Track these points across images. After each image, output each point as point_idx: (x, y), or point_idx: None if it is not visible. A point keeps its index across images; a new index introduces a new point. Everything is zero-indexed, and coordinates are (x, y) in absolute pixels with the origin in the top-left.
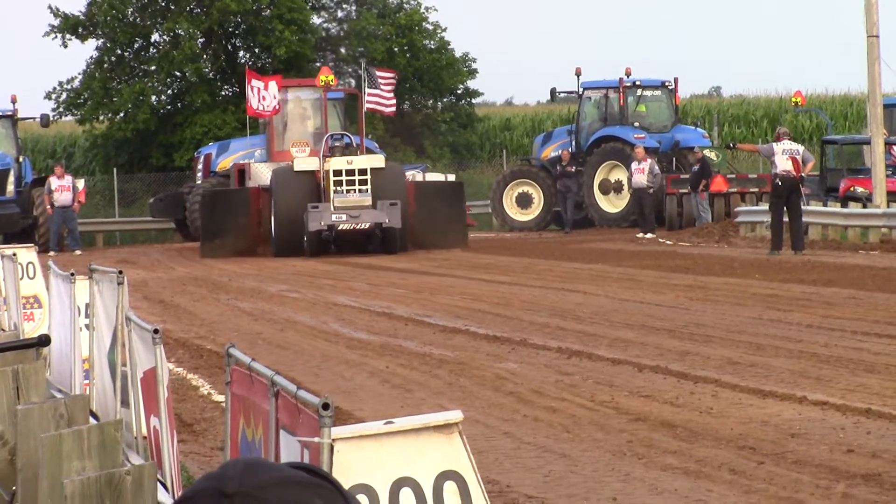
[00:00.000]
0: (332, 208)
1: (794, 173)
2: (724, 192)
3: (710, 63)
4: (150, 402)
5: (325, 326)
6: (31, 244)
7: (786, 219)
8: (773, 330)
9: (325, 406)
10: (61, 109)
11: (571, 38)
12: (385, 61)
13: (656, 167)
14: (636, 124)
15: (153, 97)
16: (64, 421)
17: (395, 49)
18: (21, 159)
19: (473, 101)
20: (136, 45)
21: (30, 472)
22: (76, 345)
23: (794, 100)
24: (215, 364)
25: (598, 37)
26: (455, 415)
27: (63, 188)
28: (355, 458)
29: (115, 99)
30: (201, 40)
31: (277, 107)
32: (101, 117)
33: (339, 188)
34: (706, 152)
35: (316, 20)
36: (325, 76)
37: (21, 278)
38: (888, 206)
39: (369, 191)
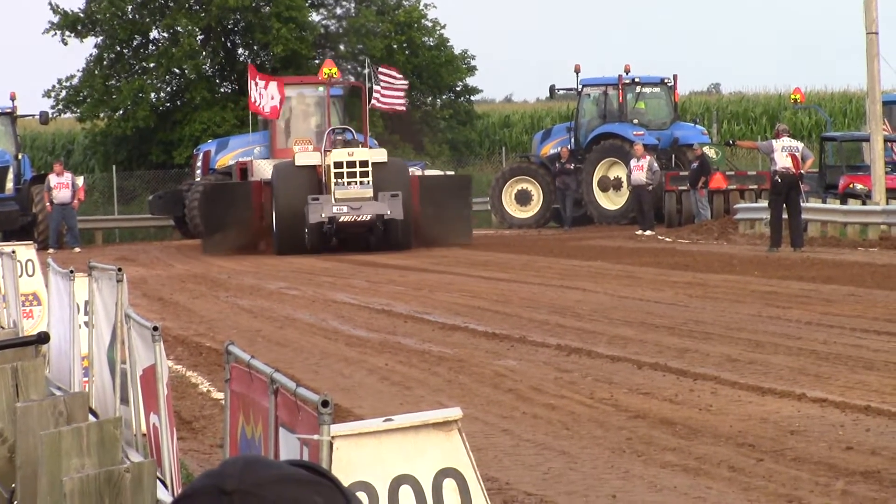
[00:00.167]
0: (333, 200)
1: (794, 170)
2: (723, 189)
3: (710, 60)
4: (150, 399)
5: (325, 324)
6: (31, 241)
7: (785, 216)
8: (772, 327)
9: (325, 403)
10: (60, 107)
11: (570, 35)
12: (384, 58)
13: (655, 164)
14: (635, 121)
15: (152, 94)
16: (63, 418)
17: (394, 46)
18: (20, 156)
19: (472, 98)
20: (135, 43)
21: (29, 470)
22: (75, 342)
23: (793, 97)
24: (214, 361)
25: (597, 34)
26: (454, 412)
27: (62, 185)
28: (355, 456)
29: (114, 96)
30: (200, 37)
31: (277, 108)
32: (101, 115)
33: (339, 180)
34: (705, 149)
35: (315, 17)
36: (329, 69)
37: (20, 276)
38: (887, 203)
39: (370, 183)
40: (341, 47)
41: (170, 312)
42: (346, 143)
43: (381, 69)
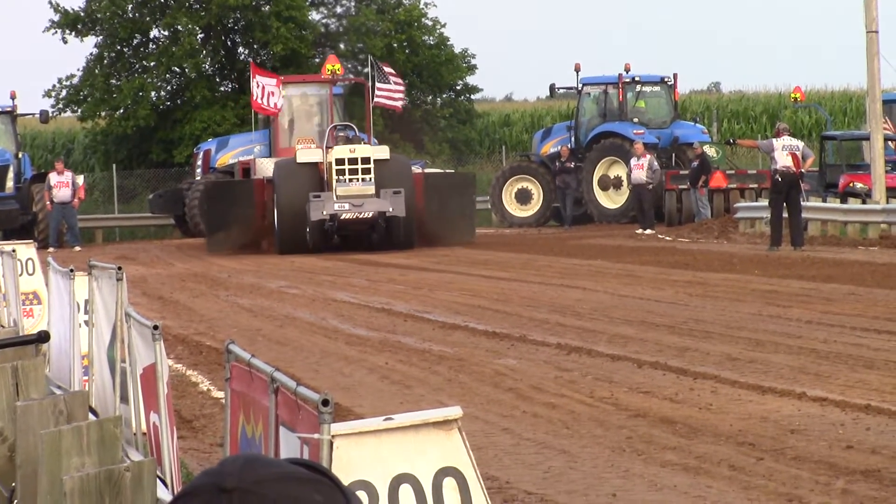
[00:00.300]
0: (335, 197)
1: (794, 169)
2: (723, 188)
3: (710, 59)
4: (150, 398)
5: (325, 323)
6: (31, 240)
7: (785, 215)
8: (772, 326)
9: (325, 402)
10: (61, 106)
11: (571, 33)
12: (384, 57)
13: (655, 163)
14: (635, 120)
15: (153, 93)
16: (63, 417)
17: (395, 45)
18: (20, 155)
19: (472, 96)
20: (135, 41)
21: (29, 469)
22: (75, 341)
23: (793, 95)
24: (215, 360)
25: (597, 32)
26: (454, 411)
27: (62, 184)
28: (355, 455)
29: (114, 95)
30: (201, 36)
31: (278, 105)
32: (103, 113)
33: (341, 177)
34: (706, 148)
35: (315, 16)
36: (332, 65)
37: (20, 275)
38: (887, 202)
39: (372, 179)
40: (341, 46)
41: (170, 311)
42: (349, 140)
43: (385, 67)
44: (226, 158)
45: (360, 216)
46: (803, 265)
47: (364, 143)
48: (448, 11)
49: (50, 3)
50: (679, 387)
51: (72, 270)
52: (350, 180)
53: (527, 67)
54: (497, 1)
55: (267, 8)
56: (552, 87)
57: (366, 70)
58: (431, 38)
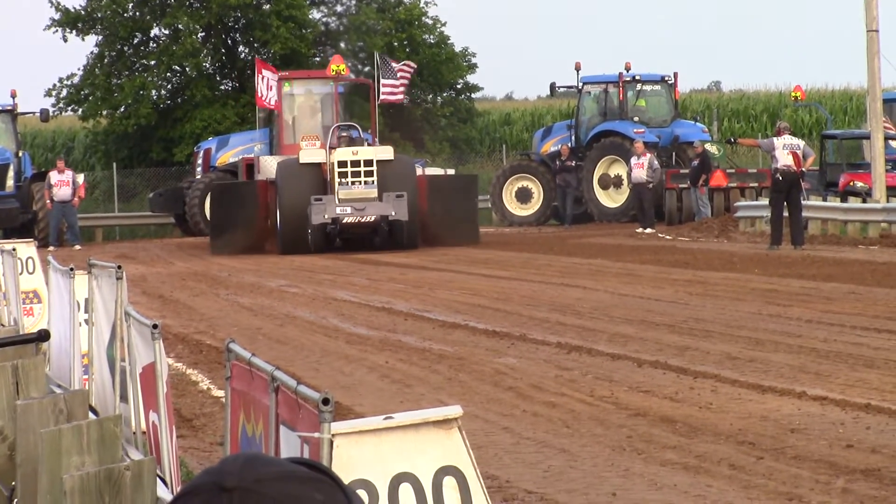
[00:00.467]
0: (337, 201)
1: (795, 168)
2: (723, 186)
3: (710, 58)
4: (150, 397)
5: (325, 321)
6: (31, 239)
7: (785, 214)
8: (772, 325)
9: (325, 401)
10: (61, 105)
11: (571, 32)
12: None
13: (656, 162)
14: (636, 119)
15: (153, 92)
16: (63, 416)
17: (395, 44)
18: (21, 154)
19: (473, 95)
20: (135, 40)
21: (29, 468)
22: (75, 340)
23: (793, 94)
24: (215, 359)
25: (597, 31)
26: (454, 410)
27: (63, 183)
28: (355, 454)
29: (115, 94)
30: (201, 35)
31: (279, 100)
32: (104, 112)
33: (343, 180)
34: (707, 146)
35: (315, 15)
36: (337, 65)
37: (20, 273)
38: (888, 201)
39: (375, 182)
40: (342, 45)
41: (170, 310)
42: (352, 141)
43: (394, 63)
44: (226, 157)
45: (363, 220)
46: (803, 264)
47: (368, 144)
48: (448, 10)
49: (50, 1)
50: (679, 386)
51: (72, 269)
52: (352, 183)
53: (527, 66)
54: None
55: (267, 7)
56: (552, 86)
57: (366, 69)
58: (432, 36)
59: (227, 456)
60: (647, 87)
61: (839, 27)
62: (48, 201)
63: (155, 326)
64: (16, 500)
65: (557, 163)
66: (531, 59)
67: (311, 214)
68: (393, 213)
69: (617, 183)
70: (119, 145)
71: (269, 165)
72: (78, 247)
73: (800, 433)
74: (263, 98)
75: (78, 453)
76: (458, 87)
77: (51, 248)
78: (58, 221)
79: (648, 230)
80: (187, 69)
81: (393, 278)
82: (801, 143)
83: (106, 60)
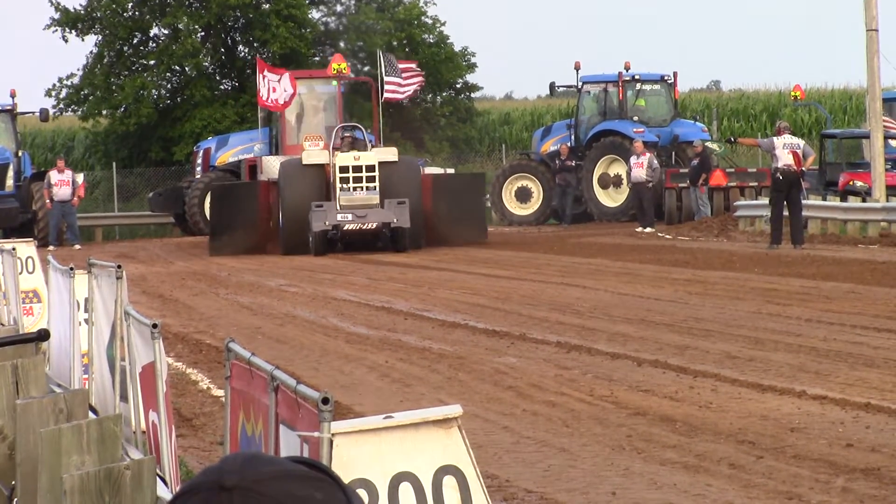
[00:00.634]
0: (338, 207)
1: (795, 167)
2: (723, 186)
3: (710, 57)
4: (149, 396)
5: (325, 321)
6: (31, 238)
7: (785, 213)
8: (772, 324)
9: (325, 401)
10: (61, 106)
11: (571, 32)
12: None
13: (655, 161)
14: (635, 118)
15: (153, 91)
16: (63, 416)
17: (395, 43)
18: (20, 154)
19: (473, 95)
20: (135, 40)
21: (29, 467)
22: (75, 339)
23: (793, 94)
24: (214, 359)
25: (597, 31)
26: (454, 409)
27: (62, 182)
28: (355, 453)
29: (115, 94)
30: (201, 35)
31: (288, 101)
32: (104, 112)
33: (345, 185)
34: (708, 143)
35: (315, 14)
36: (338, 64)
37: (20, 273)
38: (887, 201)
39: (377, 188)
40: (341, 44)
41: (169, 310)
42: (354, 143)
43: (400, 63)
44: (226, 157)
45: (364, 227)
46: (803, 263)
47: (371, 146)
48: (448, 10)
49: (50, 1)
50: (679, 385)
51: (71, 269)
52: (354, 189)
53: (527, 66)
54: None
55: (267, 6)
56: (552, 86)
57: (366, 69)
58: (431, 36)
59: (226, 455)
60: (647, 87)
61: (839, 27)
62: (48, 201)
63: (155, 326)
64: (16, 499)
65: (557, 162)
66: (531, 59)
67: (312, 221)
68: (395, 221)
69: (616, 182)
70: (119, 145)
71: (272, 166)
72: (78, 246)
73: (799, 432)
74: (266, 99)
75: (78, 453)
76: (458, 86)
77: (50, 247)
78: (57, 221)
79: (648, 229)
80: (187, 69)
81: (393, 278)
82: (801, 142)
83: (106, 60)
